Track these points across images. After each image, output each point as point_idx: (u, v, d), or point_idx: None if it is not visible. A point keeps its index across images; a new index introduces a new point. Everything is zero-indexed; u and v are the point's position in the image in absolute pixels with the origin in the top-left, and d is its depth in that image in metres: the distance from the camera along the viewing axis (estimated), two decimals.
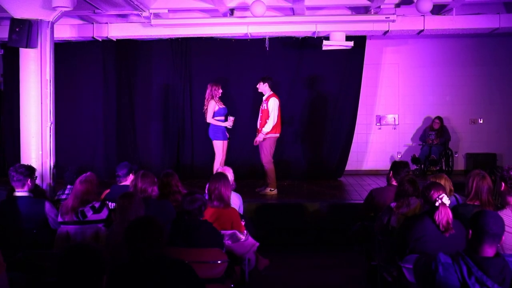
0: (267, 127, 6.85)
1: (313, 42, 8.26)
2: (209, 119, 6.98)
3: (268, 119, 6.87)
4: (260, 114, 7.07)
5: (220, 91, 7.03)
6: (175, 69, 8.85)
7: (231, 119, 6.96)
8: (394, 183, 4.49)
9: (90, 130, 8.99)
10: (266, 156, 6.96)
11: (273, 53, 8.42)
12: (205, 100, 7.03)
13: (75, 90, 8.96)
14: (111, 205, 4.30)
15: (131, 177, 4.63)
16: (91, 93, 8.98)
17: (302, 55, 8.65)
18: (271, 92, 7.04)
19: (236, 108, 8.00)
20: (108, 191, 4.66)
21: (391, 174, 4.60)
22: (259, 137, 6.89)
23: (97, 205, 4.02)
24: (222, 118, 7.03)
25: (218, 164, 6.77)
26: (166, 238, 2.66)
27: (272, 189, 7.04)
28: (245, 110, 8.32)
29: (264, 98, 7.07)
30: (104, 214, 4.01)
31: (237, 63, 8.75)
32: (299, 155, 8.83)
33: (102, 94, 8.93)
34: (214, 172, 4.92)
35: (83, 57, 8.90)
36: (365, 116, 9.44)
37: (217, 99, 7.00)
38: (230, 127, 7.01)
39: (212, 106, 6.94)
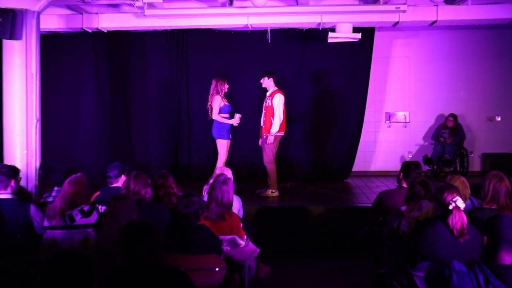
0: (275, 127, 6.85)
1: (318, 34, 8.25)
2: (215, 115, 6.98)
3: (272, 116, 6.88)
4: (263, 111, 7.08)
5: (226, 86, 7.06)
6: (171, 63, 8.84)
7: (238, 116, 6.98)
8: (404, 185, 4.49)
9: (80, 128, 8.98)
10: (268, 156, 6.97)
11: (275, 46, 8.43)
12: (210, 96, 7.04)
13: (63, 85, 8.95)
14: (101, 208, 4.29)
15: (123, 178, 4.63)
16: (81, 89, 8.96)
17: (306, 48, 8.64)
18: (276, 88, 7.04)
19: (236, 105, 7.98)
20: (98, 193, 4.65)
21: (401, 176, 4.60)
22: (269, 139, 6.87)
23: (86, 208, 4.02)
24: (227, 116, 7.05)
25: (221, 164, 6.79)
26: (165, 244, 2.66)
27: (273, 191, 7.05)
28: (246, 106, 8.31)
29: (268, 94, 7.07)
30: (93, 218, 4.01)
31: (236, 56, 8.74)
32: (303, 154, 8.83)
33: (93, 89, 8.90)
34: (216, 171, 4.90)
35: (72, 50, 8.89)
36: (373, 113, 9.43)
37: (222, 94, 7.02)
38: (236, 124, 7.03)
39: (218, 102, 6.95)
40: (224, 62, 8.72)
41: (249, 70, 8.53)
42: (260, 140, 7.15)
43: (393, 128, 9.58)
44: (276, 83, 7.08)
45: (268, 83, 7.06)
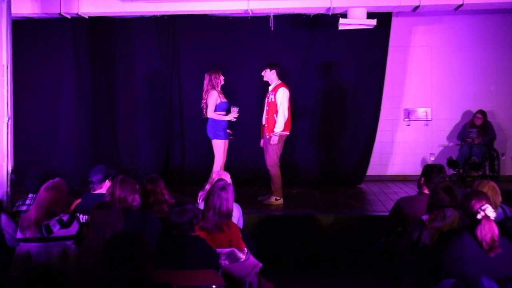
0: (279, 125, 6.86)
1: (328, 21, 8.28)
2: (210, 113, 6.99)
3: (276, 114, 6.89)
4: (266, 108, 7.09)
5: (222, 78, 7.06)
6: (161, 53, 8.87)
7: (234, 110, 6.97)
8: (426, 191, 4.49)
9: (58, 127, 8.98)
10: (272, 158, 6.98)
11: (278, 34, 8.44)
12: (204, 92, 7.04)
13: (39, 79, 8.97)
14: (83, 218, 4.31)
15: (107, 183, 4.64)
16: (59, 83, 8.96)
17: (313, 37, 8.65)
18: (279, 82, 7.06)
19: (235, 101, 7.97)
20: (79, 201, 4.64)
21: (422, 181, 4.60)
22: (273, 140, 6.87)
23: (65, 218, 4.01)
24: (224, 113, 7.07)
25: (218, 167, 6.82)
26: (153, 257, 2.66)
27: (277, 198, 7.07)
28: (246, 103, 8.30)
29: (270, 88, 7.09)
30: (74, 229, 4.01)
31: (235, 46, 8.76)
32: (310, 157, 8.85)
33: (73, 83, 8.91)
34: (213, 176, 4.91)
35: (49, 39, 8.91)
36: (390, 110, 9.43)
37: (219, 89, 7.04)
38: (234, 120, 7.02)
39: (214, 99, 6.95)
40: (221, 52, 8.73)
41: (249, 62, 8.56)
42: (262, 141, 7.15)
43: (413, 126, 9.59)
44: (280, 76, 7.09)
45: (270, 76, 7.06)
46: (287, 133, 7.06)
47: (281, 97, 6.89)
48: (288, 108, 6.95)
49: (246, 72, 8.52)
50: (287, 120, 6.95)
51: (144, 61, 8.93)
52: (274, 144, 6.89)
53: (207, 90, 7.00)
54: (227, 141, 7.10)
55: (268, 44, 8.51)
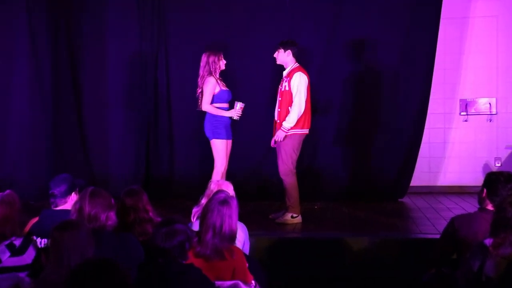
0: (291, 119, 6.86)
1: None
2: (206, 105, 7.03)
3: (291, 106, 6.89)
4: (278, 99, 7.11)
5: (223, 62, 7.14)
6: (143, 29, 8.97)
7: (239, 105, 7.01)
8: (489, 207, 4.46)
9: (8, 125, 9.04)
10: (286, 164, 6.98)
11: (296, 5, 8.48)
12: (199, 78, 7.08)
13: None
14: (41, 242, 4.29)
15: (73, 197, 4.62)
16: (10, 68, 9.02)
17: (341, 8, 8.68)
18: (297, 65, 7.06)
19: (239, 91, 7.98)
20: (36, 219, 4.63)
21: (484, 193, 4.57)
22: (279, 135, 6.88)
23: (17, 242, 4.00)
24: (226, 105, 7.11)
25: (219, 175, 6.85)
26: None
27: (294, 215, 7.06)
28: (254, 93, 8.34)
29: (285, 73, 7.10)
30: (29, 256, 3.98)
31: (239, 20, 8.83)
32: (338, 162, 8.87)
33: (28, 70, 8.96)
34: (212, 187, 4.92)
35: None
36: (442, 101, 9.44)
37: (217, 75, 7.07)
38: (237, 118, 7.07)
39: (211, 86, 7.00)
40: (220, 28, 8.81)
41: (257, 40, 8.62)
42: (273, 140, 7.12)
43: (472, 122, 9.59)
44: (297, 58, 7.09)
45: (284, 58, 7.06)
46: (306, 131, 7.06)
47: (297, 84, 6.90)
48: (307, 99, 6.95)
49: (253, 54, 8.61)
50: (306, 114, 6.95)
51: (120, 38, 9.02)
52: (283, 142, 6.88)
53: (202, 76, 7.06)
54: (230, 141, 7.16)
55: (282, 18, 8.59)
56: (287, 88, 6.97)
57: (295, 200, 7.05)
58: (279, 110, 7.06)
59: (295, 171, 7.06)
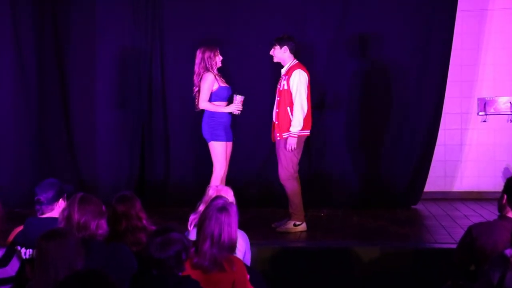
0: (297, 122, 6.83)
1: None
2: (204, 103, 7.03)
3: (290, 106, 6.88)
4: (277, 98, 7.10)
5: (219, 58, 7.16)
6: (137, 23, 9.03)
7: (238, 98, 7.00)
8: (510, 214, 4.46)
9: None
10: (286, 169, 6.97)
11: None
12: (195, 75, 7.10)
13: None
14: (26, 252, 4.27)
15: (61, 204, 4.60)
16: None
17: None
18: (295, 62, 7.06)
19: (239, 89, 7.97)
20: (20, 228, 4.61)
21: (505, 200, 4.55)
22: (291, 142, 6.81)
23: (0, 253, 3.98)
24: (225, 104, 7.11)
25: (218, 180, 6.85)
26: None
27: (298, 223, 7.07)
28: (255, 92, 8.33)
29: (283, 71, 7.10)
30: (12, 268, 3.98)
31: (237, 13, 8.93)
32: (346, 166, 8.88)
33: (11, 66, 8.97)
34: (210, 193, 4.90)
35: None
36: (459, 100, 9.48)
37: (215, 71, 7.10)
38: (238, 113, 7.06)
39: (209, 82, 7.02)
40: (217, 22, 8.93)
41: (259, 32, 8.61)
42: (288, 148, 7.01)
43: (491, 123, 9.60)
44: (295, 54, 7.08)
45: (281, 54, 7.05)
46: (307, 133, 7.06)
47: (297, 83, 6.89)
48: (307, 98, 6.91)
49: (251, 49, 8.63)
50: (307, 114, 6.93)
51: (112, 33, 9.08)
52: (282, 146, 6.89)
53: (199, 73, 7.09)
54: (229, 143, 7.16)
55: (283, 10, 8.58)
56: (285, 87, 6.96)
57: (298, 207, 7.05)
58: (277, 110, 7.06)
59: (296, 175, 7.05)
